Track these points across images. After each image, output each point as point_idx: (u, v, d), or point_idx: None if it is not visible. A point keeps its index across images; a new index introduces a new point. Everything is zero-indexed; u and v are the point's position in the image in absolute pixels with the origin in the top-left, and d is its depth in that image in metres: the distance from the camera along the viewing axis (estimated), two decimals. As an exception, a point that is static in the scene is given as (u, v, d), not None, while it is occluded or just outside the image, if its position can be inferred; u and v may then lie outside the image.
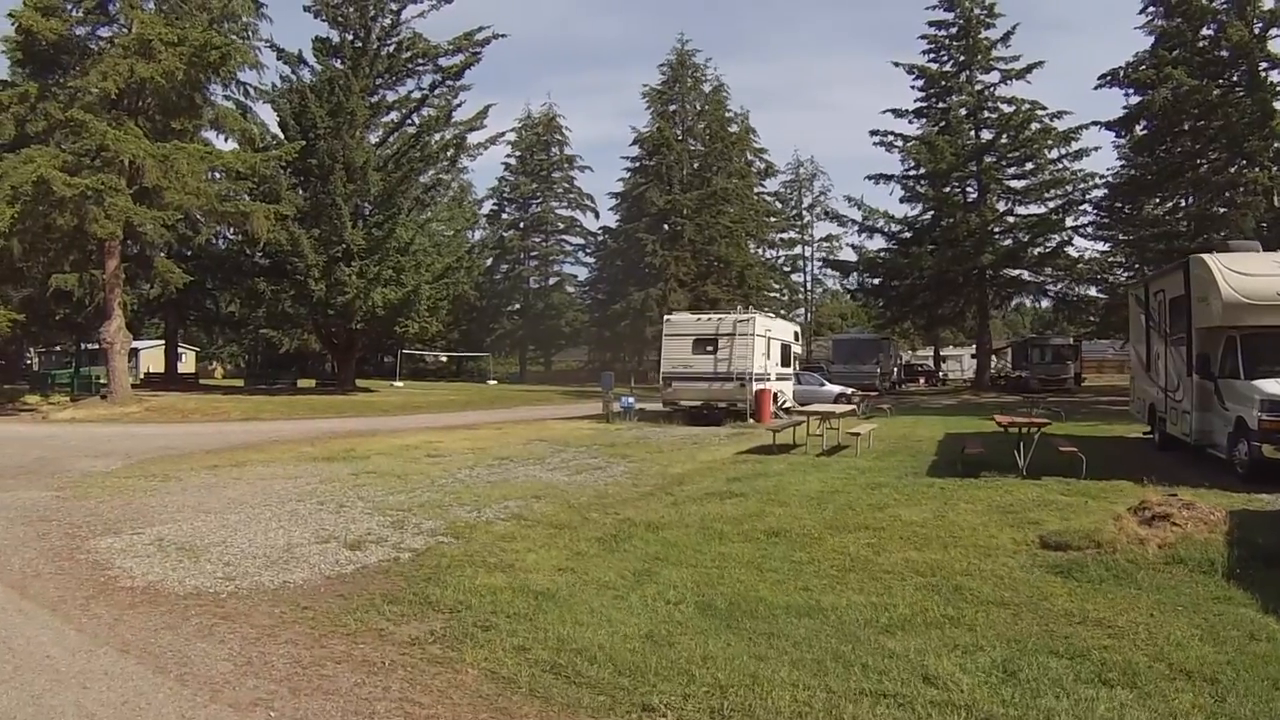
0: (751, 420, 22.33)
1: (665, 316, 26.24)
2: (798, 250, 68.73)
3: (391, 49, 35.84)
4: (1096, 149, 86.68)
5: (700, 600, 6.08)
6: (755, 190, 60.27)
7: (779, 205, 66.43)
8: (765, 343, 23.97)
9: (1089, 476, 11.49)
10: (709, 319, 24.51)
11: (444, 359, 61.53)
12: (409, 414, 27.95)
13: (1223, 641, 5.17)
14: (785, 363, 26.51)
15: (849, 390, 30.90)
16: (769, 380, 24.06)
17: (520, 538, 8.07)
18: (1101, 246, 44.41)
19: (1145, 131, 38.11)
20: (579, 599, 6.12)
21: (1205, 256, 12.99)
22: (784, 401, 25.48)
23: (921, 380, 50.87)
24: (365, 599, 6.17)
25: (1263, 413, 10.84)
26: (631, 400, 24.66)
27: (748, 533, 8.31)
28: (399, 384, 43.91)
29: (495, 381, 51.88)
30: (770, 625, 5.54)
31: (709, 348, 23.20)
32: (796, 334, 30.42)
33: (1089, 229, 43.43)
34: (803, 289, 69.28)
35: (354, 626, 5.56)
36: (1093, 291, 44.06)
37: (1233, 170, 33.75)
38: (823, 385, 30.35)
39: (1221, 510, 7.74)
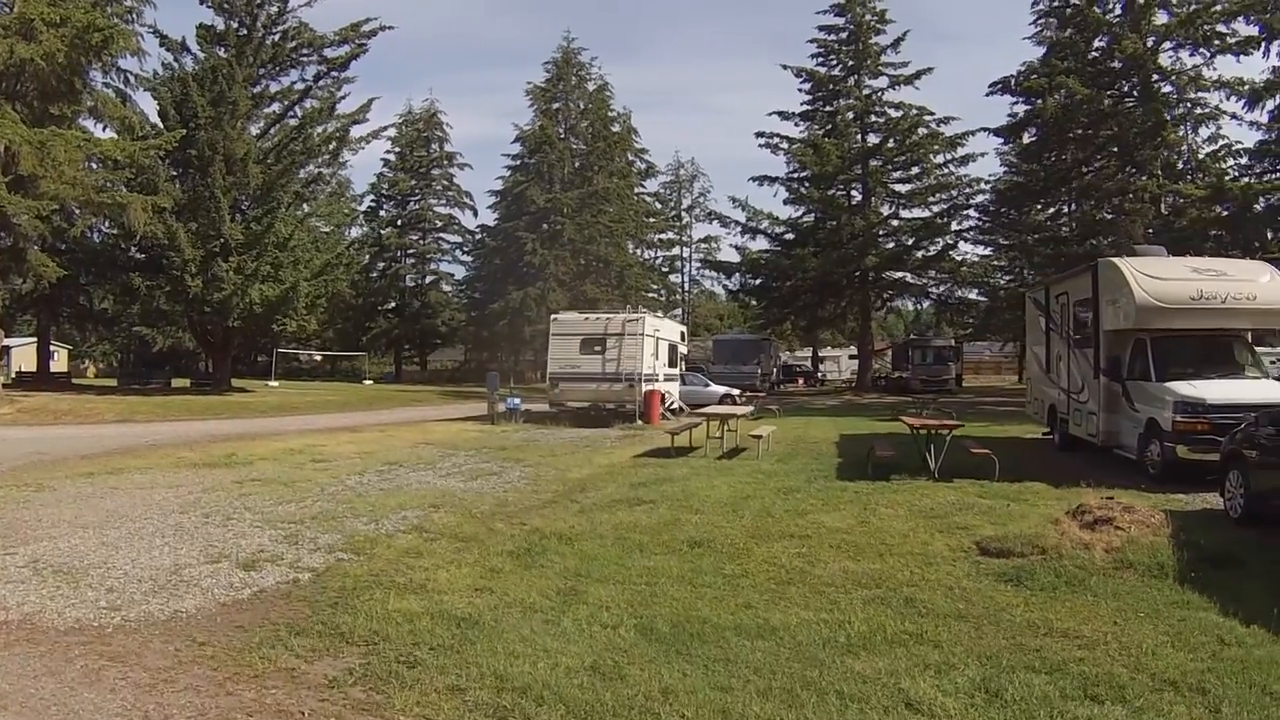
0: (640, 422, 22.55)
1: (552, 316, 26.38)
2: (676, 251, 70.99)
3: (277, 38, 35.73)
4: (983, 154, 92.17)
5: (639, 623, 5.70)
6: (635, 190, 61.90)
7: (659, 206, 68.43)
8: (654, 343, 24.23)
9: (1001, 479, 11.80)
10: (597, 318, 24.71)
11: (318, 358, 61.88)
12: (288, 415, 27.61)
13: (1195, 648, 5.18)
14: (672, 363, 26.92)
15: (735, 391, 31.64)
16: (657, 381, 24.32)
17: (426, 553, 7.69)
18: (983, 250, 46.91)
19: (1034, 139, 40.45)
20: (507, 625, 5.65)
21: (1116, 260, 13.58)
22: (671, 402, 25.81)
23: (800, 381, 52.71)
24: (269, 631, 5.55)
25: (1177, 414, 11.33)
26: (517, 401, 24.62)
27: (668, 544, 8.09)
28: (274, 384, 43.63)
29: (371, 381, 51.91)
30: (723, 650, 5.20)
31: (597, 348, 23.39)
32: (683, 334, 30.96)
33: (972, 233, 46.10)
34: (680, 290, 71.38)
35: (261, 666, 4.95)
36: (972, 294, 46.80)
37: (1120, 177, 36.00)
38: (708, 386, 31.00)
39: (1160, 513, 7.90)
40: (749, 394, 31.89)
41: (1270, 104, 33.51)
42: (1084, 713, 4.27)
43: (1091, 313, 14.33)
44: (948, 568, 7.22)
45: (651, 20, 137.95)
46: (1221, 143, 34.79)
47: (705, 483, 11.83)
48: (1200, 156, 34.31)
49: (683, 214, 72.50)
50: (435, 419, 25.44)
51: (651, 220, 64.43)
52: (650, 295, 58.82)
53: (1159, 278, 12.66)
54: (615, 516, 9.39)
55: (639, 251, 62.96)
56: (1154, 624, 5.64)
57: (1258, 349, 13.51)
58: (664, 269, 68.44)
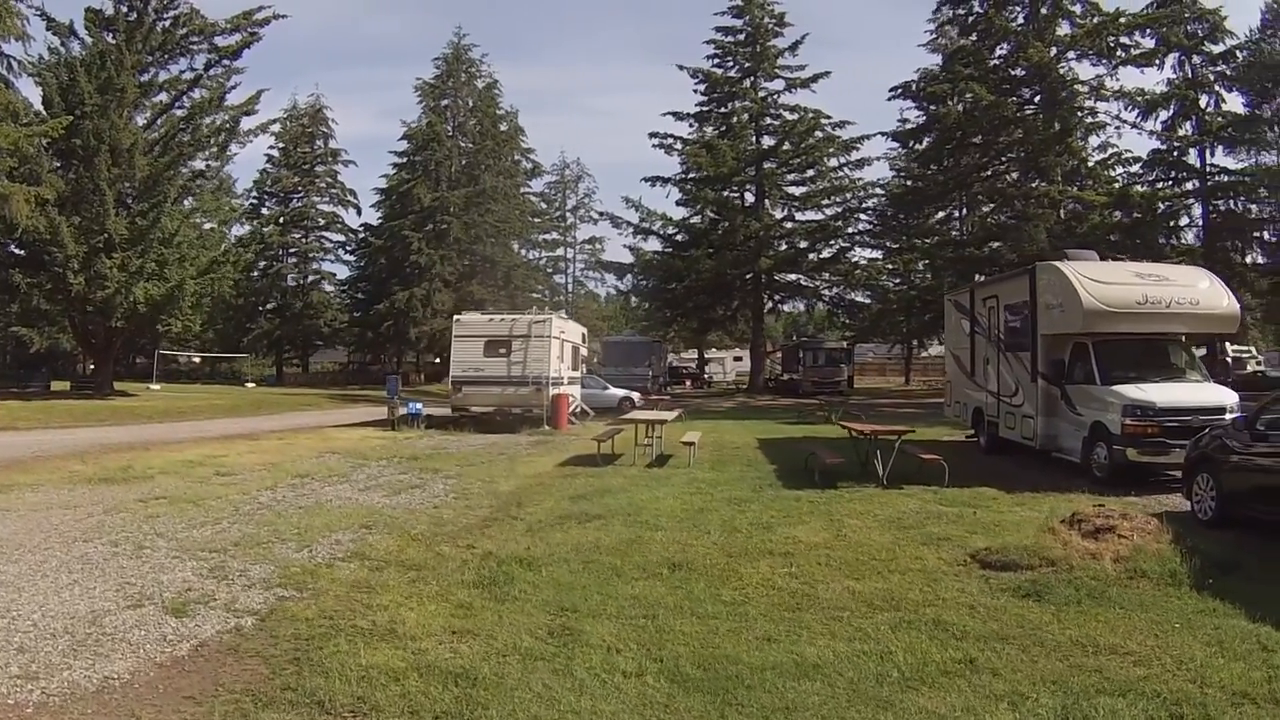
0: (548, 427, 22.58)
1: (455, 317, 26.21)
2: (560, 252, 72.11)
3: (167, 24, 34.75)
4: (878, 159, 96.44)
5: (662, 667, 5.42)
6: (522, 190, 62.66)
7: (544, 206, 69.44)
8: (559, 345, 24.36)
9: (951, 484, 12.18)
10: (502, 320, 24.75)
11: (198, 360, 60.93)
12: (176, 420, 26.87)
13: (1244, 658, 5.38)
14: (575, 366, 27.22)
15: (633, 394, 32.06)
16: (562, 384, 24.45)
17: (378, 586, 7.19)
18: (872, 254, 48.99)
19: (932, 143, 42.22)
20: (512, 679, 5.21)
21: (1058, 264, 14.17)
22: (574, 406, 25.88)
23: (687, 383, 53.73)
24: (228, 703, 4.85)
25: (1126, 418, 11.89)
26: (419, 406, 24.20)
27: (644, 566, 7.89)
28: (156, 387, 42.66)
29: (253, 384, 51.06)
30: (774, 697, 4.99)
31: (502, 350, 23.36)
32: (584, 335, 31.23)
33: (865, 237, 47.91)
34: (564, 291, 72.06)
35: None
36: (859, 297, 48.79)
37: (1021, 182, 37.91)
38: (606, 389, 31.34)
39: (1154, 519, 8.14)
40: (659, 397, 32.27)
41: (1164, 114, 36.27)
42: None
43: (1028, 317, 14.85)
44: (956, 583, 7.27)
45: (542, 20, 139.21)
46: (1111, 151, 37.34)
47: (648, 494, 11.77)
48: (1090, 165, 36.50)
49: (568, 214, 73.79)
50: (331, 425, 24.95)
51: (537, 220, 65.27)
52: (535, 296, 59.24)
53: (1104, 282, 13.28)
54: (570, 535, 9.17)
55: (524, 252, 63.83)
56: (1192, 634, 5.81)
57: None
58: (548, 270, 69.36)
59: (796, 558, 8.19)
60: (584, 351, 30.45)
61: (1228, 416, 11.66)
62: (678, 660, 5.50)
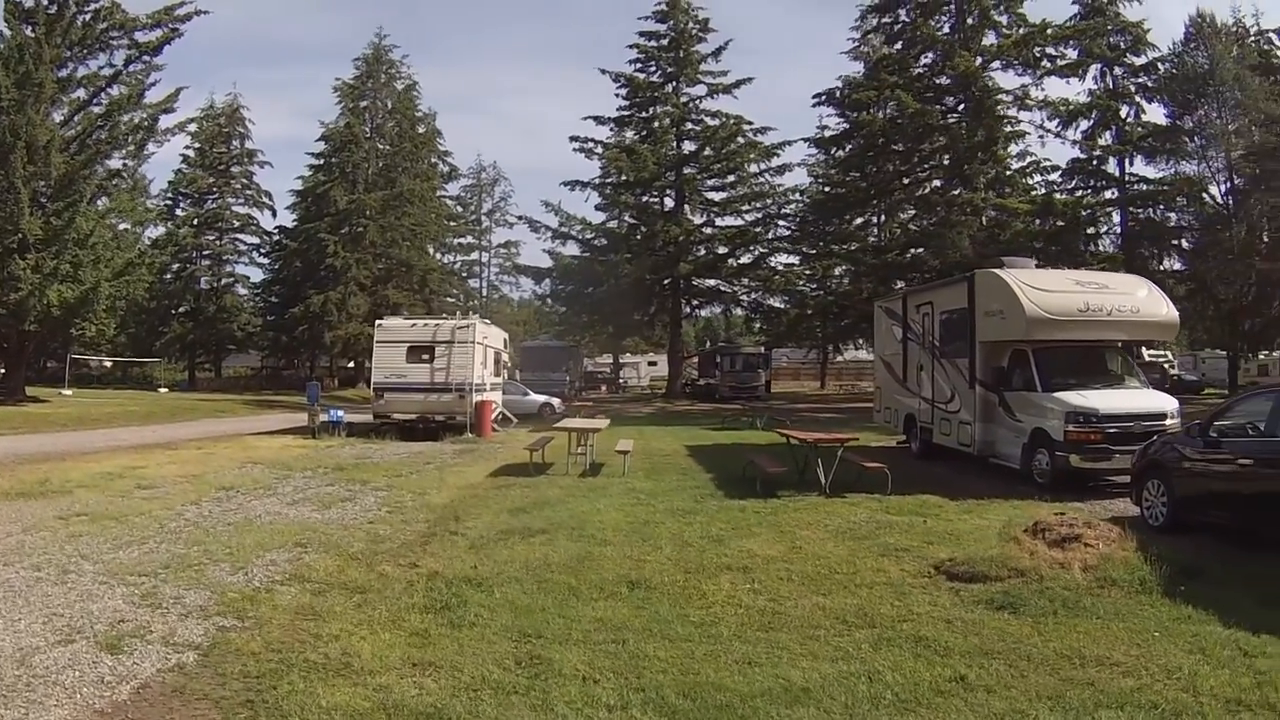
0: (472, 435, 22.53)
1: (377, 322, 26.02)
2: (475, 256, 72.77)
3: (88, 18, 34.02)
4: (799, 165, 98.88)
5: (646, 698, 5.24)
6: (438, 193, 62.93)
7: (459, 209, 69.95)
8: (483, 350, 24.32)
9: (893, 492, 12.38)
10: (425, 325, 24.75)
11: (109, 364, 60.03)
12: (91, 428, 25.99)
13: (1227, 664, 5.55)
14: (497, 371, 27.34)
15: (554, 400, 32.64)
16: (485, 390, 24.47)
17: (324, 613, 6.88)
18: (789, 259, 50.01)
19: (854, 150, 43.47)
20: (489, 718, 4.97)
21: (998, 272, 14.53)
22: (497, 412, 25.90)
23: (603, 388, 54.03)
24: None
25: (1069, 425, 12.24)
26: (340, 414, 24.00)
27: (601, 586, 7.72)
28: (67, 392, 41.38)
29: (166, 389, 50.22)
30: (772, 728, 4.88)
31: (425, 356, 23.29)
32: (505, 340, 31.24)
33: (784, 243, 48.97)
34: (479, 295, 72.16)
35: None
36: (777, 302, 50.05)
37: (944, 189, 38.99)
38: (527, 395, 31.70)
39: (1117, 527, 8.31)
40: (581, 403, 32.87)
41: (1085, 124, 37.77)
42: None
43: (966, 324, 15.17)
44: (926, 597, 7.30)
45: (461, 22, 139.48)
46: (1030, 159, 38.81)
47: (588, 506, 11.71)
48: (1008, 173, 37.83)
49: (483, 218, 74.29)
50: (250, 432, 24.50)
51: (453, 224, 65.73)
52: (450, 301, 59.49)
53: (1046, 290, 13.66)
54: (516, 552, 8.96)
55: (440, 256, 64.12)
56: (1173, 642, 5.95)
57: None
58: (463, 274, 69.57)
59: (756, 572, 8.15)
60: (505, 357, 30.54)
61: (1168, 423, 12.12)
62: (660, 689, 5.33)
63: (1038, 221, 35.37)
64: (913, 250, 38.40)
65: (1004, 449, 14.25)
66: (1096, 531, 7.93)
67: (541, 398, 32.02)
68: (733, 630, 6.51)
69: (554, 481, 14.37)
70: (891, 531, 9.91)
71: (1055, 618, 6.52)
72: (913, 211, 43.61)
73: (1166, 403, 12.88)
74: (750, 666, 5.75)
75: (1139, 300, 13.87)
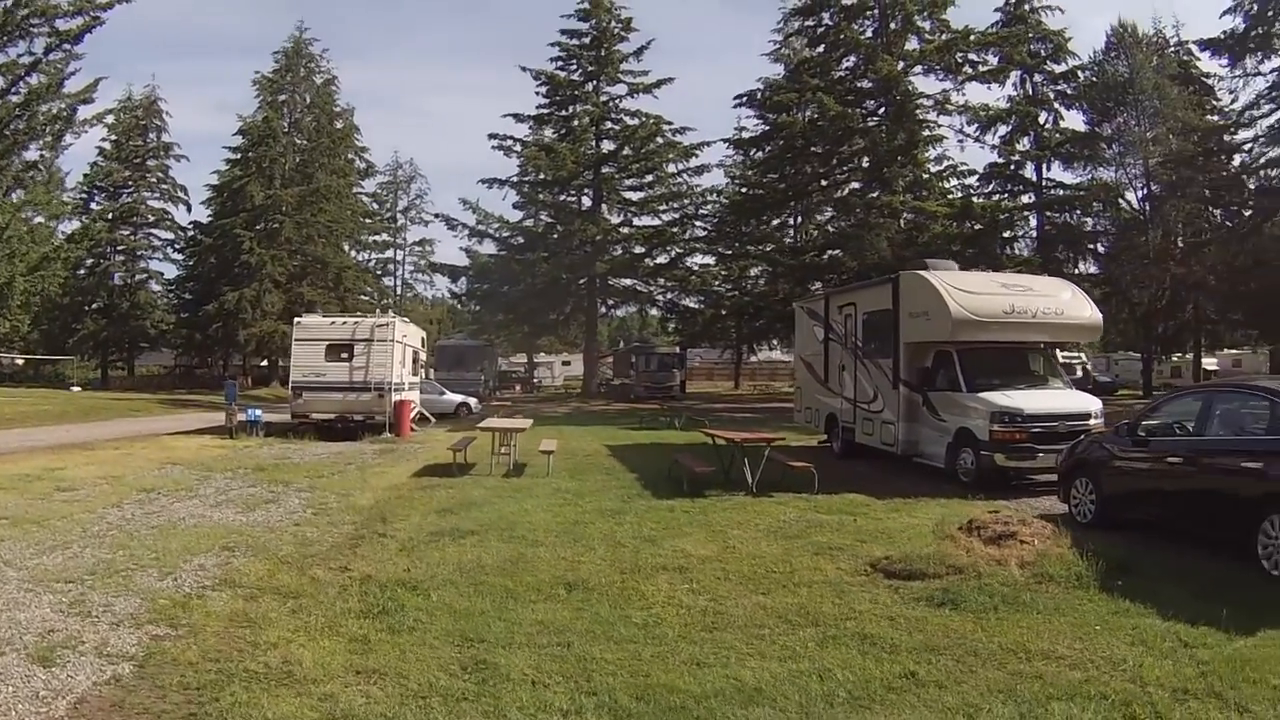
0: (390, 435, 22.48)
1: (296, 320, 25.68)
2: (390, 254, 72.32)
3: (9, 4, 33.12)
4: (718, 165, 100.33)
5: (599, 702, 5.15)
6: (354, 190, 62.61)
7: (375, 207, 69.57)
8: (401, 349, 24.21)
9: (820, 491, 12.56)
10: (344, 323, 24.63)
11: (20, 362, 58.58)
12: (4, 428, 25.21)
13: (1169, 655, 5.74)
14: (415, 370, 27.29)
15: (470, 399, 32.92)
16: (404, 390, 24.40)
17: (259, 620, 6.70)
18: (704, 260, 50.62)
19: (774, 151, 44.10)
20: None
21: (924, 274, 14.81)
22: (415, 412, 25.85)
23: (517, 388, 54.05)
24: None
25: (994, 424, 12.55)
26: (258, 413, 23.59)
27: (538, 587, 7.66)
28: None
29: (79, 388, 49.16)
30: (726, 729, 4.85)
31: (344, 354, 23.11)
32: (423, 339, 31.09)
33: (700, 243, 49.47)
34: (393, 293, 71.53)
35: None
36: (691, 302, 50.51)
37: (863, 190, 39.77)
38: (443, 394, 31.79)
39: (1050, 524, 8.51)
40: (500, 402, 33.19)
41: (1004, 129, 38.97)
42: None
43: (890, 324, 15.42)
44: (866, 594, 7.36)
45: (381, 18, 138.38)
46: (947, 164, 39.94)
47: (515, 506, 11.71)
48: (925, 176, 38.84)
49: (399, 216, 73.99)
50: (167, 432, 23.93)
51: (369, 221, 65.33)
52: (364, 299, 58.84)
53: (971, 292, 13.98)
54: (448, 554, 8.86)
55: (354, 253, 63.75)
56: (1114, 636, 6.11)
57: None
58: (378, 271, 69.16)
59: (692, 572, 8.17)
60: (423, 356, 30.48)
61: (1092, 422, 12.52)
62: (612, 692, 5.25)
63: (956, 224, 36.33)
64: (830, 252, 39.06)
65: (928, 448, 14.54)
66: (1031, 528, 8.11)
67: (458, 397, 32.12)
68: (677, 631, 6.49)
69: (478, 482, 14.31)
70: (823, 530, 10.03)
71: (997, 613, 6.63)
72: (831, 213, 44.48)
73: (1090, 403, 13.32)
74: (699, 667, 5.73)
75: (1063, 303, 14.31)
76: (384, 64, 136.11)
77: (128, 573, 8.03)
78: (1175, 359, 50.25)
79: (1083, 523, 9.52)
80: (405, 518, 11.04)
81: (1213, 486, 8.03)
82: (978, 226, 36.99)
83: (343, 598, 7.30)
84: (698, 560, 8.60)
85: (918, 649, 5.95)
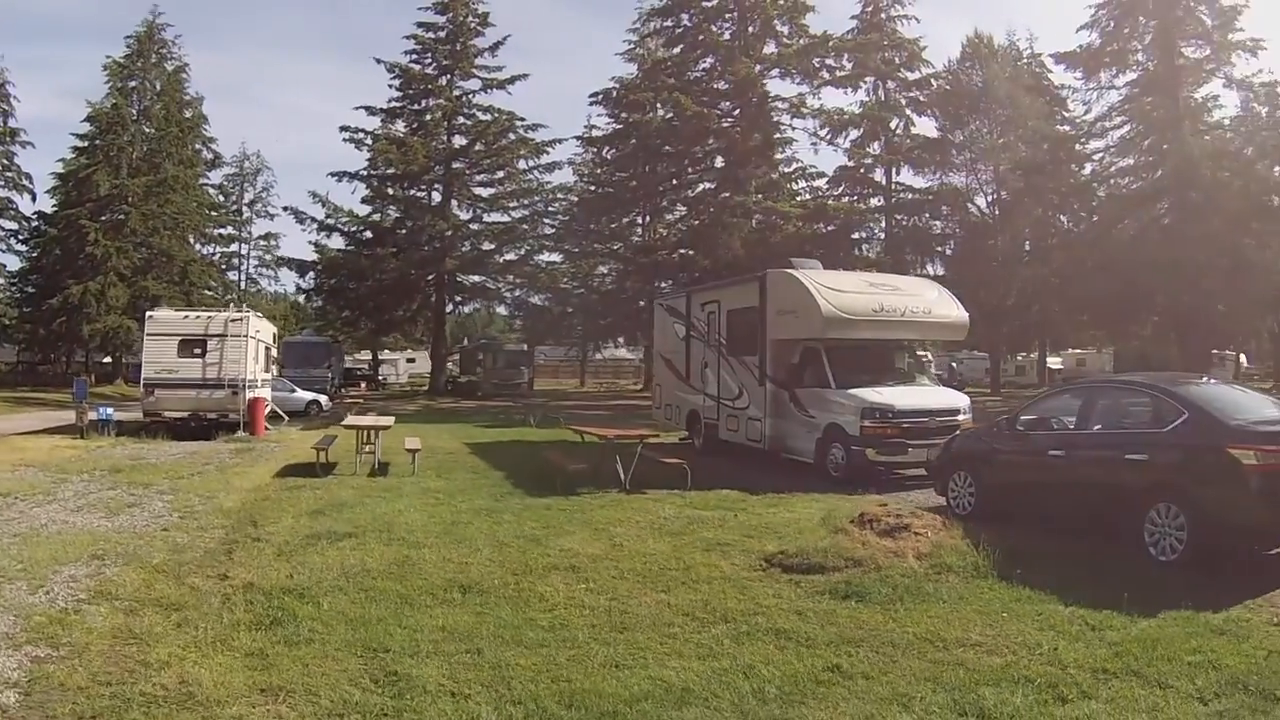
0: (245, 433, 21.97)
1: (148, 314, 24.90)
2: (235, 248, 70.09)
3: None
4: (567, 163, 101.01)
5: (528, 711, 4.98)
6: (200, 181, 60.75)
7: (221, 199, 67.43)
8: (255, 345, 23.82)
9: (692, 488, 12.71)
10: (197, 317, 24.02)
11: None
12: None
13: (1080, 638, 6.05)
14: (267, 367, 26.92)
15: (320, 397, 32.77)
16: (258, 387, 24.05)
17: (145, 636, 6.28)
18: (551, 257, 50.62)
19: (628, 150, 44.54)
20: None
21: (793, 272, 15.13)
22: (268, 409, 25.33)
23: (362, 385, 53.13)
24: None
25: (866, 420, 12.92)
26: (110, 411, 22.82)
27: (430, 591, 7.44)
28: None
29: None
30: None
31: (197, 350, 22.62)
32: (275, 335, 30.62)
33: (548, 240, 49.52)
34: (237, 288, 69.06)
35: None
36: (538, 300, 50.43)
37: (711, 189, 40.49)
38: (294, 391, 31.44)
39: (938, 516, 8.80)
40: (354, 399, 32.36)
41: (855, 133, 40.37)
42: (1071, 713, 4.86)
43: (757, 322, 15.70)
44: (768, 589, 7.42)
45: (232, 6, 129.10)
46: (796, 165, 41.21)
47: (388, 507, 11.45)
48: (774, 176, 39.95)
49: (244, 209, 72.05)
50: (14, 432, 22.84)
51: (215, 214, 63.22)
52: (208, 293, 56.77)
53: (841, 290, 14.37)
54: (329, 558, 8.50)
55: (199, 246, 61.40)
56: (1023, 621, 6.36)
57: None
58: (222, 265, 66.41)
59: (585, 571, 8.10)
60: (274, 352, 29.92)
61: (960, 418, 13.09)
62: (538, 700, 5.08)
63: (807, 225, 37.48)
64: (682, 250, 39.60)
65: (796, 444, 14.85)
66: (923, 521, 8.36)
67: (309, 395, 31.89)
68: (586, 633, 6.38)
69: (344, 482, 13.93)
70: (706, 526, 10.09)
71: (903, 604, 6.79)
72: (683, 212, 45.21)
73: (958, 399, 13.96)
74: (619, 669, 5.64)
75: (930, 302, 14.93)
76: (234, 52, 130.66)
77: (-9, 587, 7.45)
78: (1020, 358, 53.48)
79: (962, 515, 9.86)
80: (276, 520, 10.64)
81: (1099, 478, 8.47)
82: (830, 228, 38.32)
83: (228, 608, 6.94)
84: (588, 559, 8.51)
85: (834, 642, 6.02)
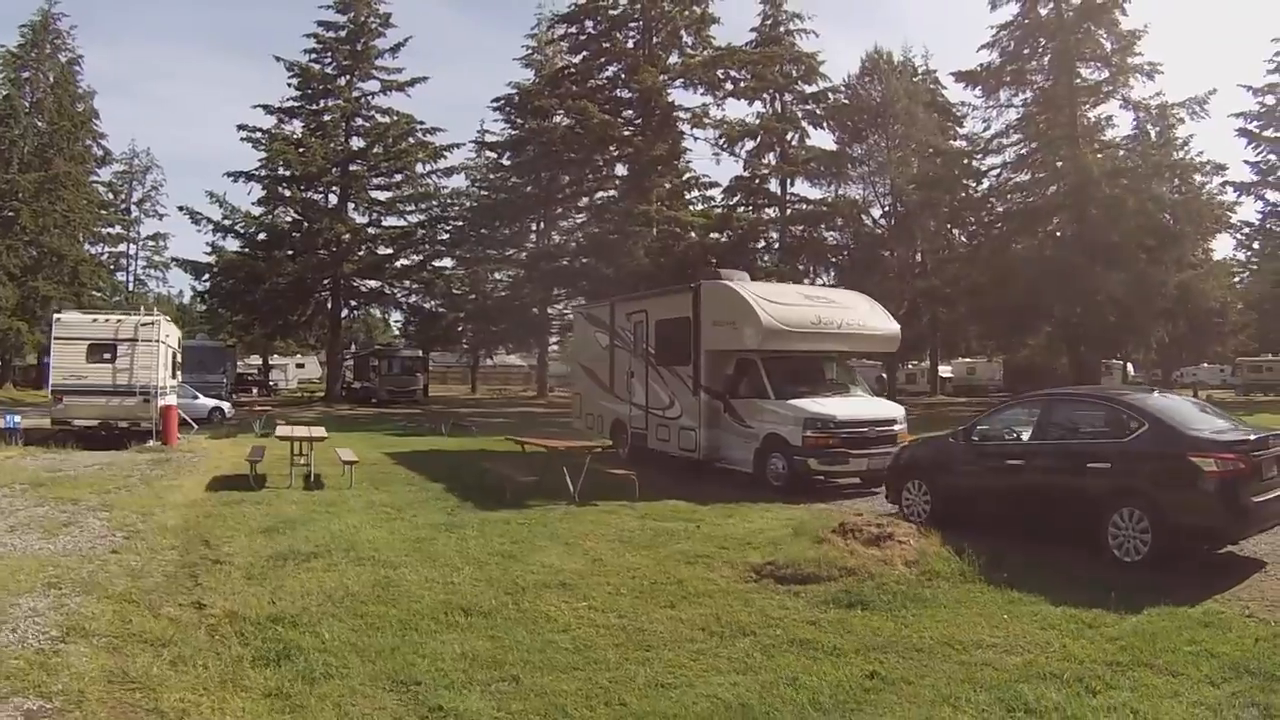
0: (156, 442, 21.27)
1: (55, 316, 23.75)
2: (122, 248, 68.08)
3: None
4: (460, 168, 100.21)
5: None
6: (90, 179, 58.54)
7: (110, 197, 65.20)
8: (165, 350, 23.08)
9: (641, 498, 12.83)
10: (106, 320, 22.95)
11: None
12: None
13: (1080, 635, 6.53)
14: (174, 373, 26.15)
15: (224, 404, 32.42)
16: (166, 394, 23.36)
17: (143, 680, 5.84)
18: (444, 263, 50.20)
19: (529, 157, 44.46)
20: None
21: (730, 284, 15.47)
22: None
23: (254, 390, 51.77)
24: None
25: (808, 430, 13.32)
26: (17, 419, 22.19)
27: (430, 615, 7.26)
28: None
29: None
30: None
31: (106, 355, 21.73)
32: (179, 339, 29.43)
33: (444, 246, 49.02)
34: (124, 290, 66.63)
35: None
36: (432, 306, 49.88)
37: (614, 198, 40.71)
38: (196, 398, 30.70)
39: (912, 525, 9.21)
40: (261, 409, 32.14)
41: (750, 144, 41.29)
42: (1105, 703, 5.28)
43: (688, 333, 15.97)
44: (771, 601, 7.61)
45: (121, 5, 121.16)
46: (688, 175, 41.72)
47: (340, 523, 11.09)
48: (667, 186, 40.56)
49: (133, 207, 69.63)
50: None
51: (105, 213, 61.10)
52: (97, 295, 55.07)
53: (780, 303, 14.77)
54: (303, 582, 8.19)
55: (87, 246, 58.96)
56: (1024, 623, 6.79)
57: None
58: (110, 266, 64.09)
59: (579, 589, 8.08)
60: (179, 357, 28.30)
61: (896, 428, 13.63)
62: None
63: (708, 235, 38.15)
64: (583, 259, 39.72)
65: (732, 453, 15.16)
66: (902, 529, 8.74)
67: (211, 402, 31.21)
68: (614, 653, 6.40)
69: (282, 496, 13.47)
70: (674, 539, 10.21)
71: (908, 610, 7.13)
72: (581, 220, 45.51)
73: (894, 409, 14.53)
74: (666, 689, 5.72)
75: (863, 314, 15.51)
76: (126, 46, 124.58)
77: (-56, 620, 6.77)
78: (910, 365, 55.44)
79: (917, 522, 10.33)
80: (229, 540, 10.19)
81: (1061, 485, 9.05)
82: (727, 237, 39.08)
83: (220, 643, 6.57)
84: (574, 575, 8.50)
85: (860, 650, 6.28)
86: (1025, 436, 9.81)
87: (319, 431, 16.55)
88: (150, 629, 6.86)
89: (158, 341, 21.98)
